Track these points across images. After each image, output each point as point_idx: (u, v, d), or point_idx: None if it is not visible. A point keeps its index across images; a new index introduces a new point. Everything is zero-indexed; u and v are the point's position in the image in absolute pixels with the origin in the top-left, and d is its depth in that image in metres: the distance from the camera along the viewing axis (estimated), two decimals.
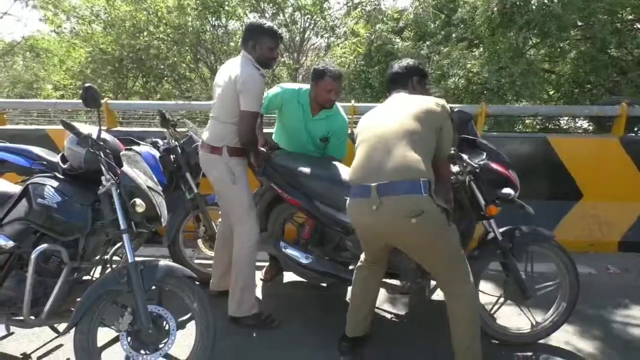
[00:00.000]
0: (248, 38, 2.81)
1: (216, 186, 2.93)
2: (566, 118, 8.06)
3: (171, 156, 3.27)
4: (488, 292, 2.78)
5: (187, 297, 2.25)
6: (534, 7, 6.08)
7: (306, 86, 3.18)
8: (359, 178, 2.23)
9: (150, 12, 11.75)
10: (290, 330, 2.89)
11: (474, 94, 6.83)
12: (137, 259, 2.15)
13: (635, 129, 5.90)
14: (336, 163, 2.99)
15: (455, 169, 2.62)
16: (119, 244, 2.37)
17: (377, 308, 3.11)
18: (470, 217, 2.67)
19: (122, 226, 2.14)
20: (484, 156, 2.58)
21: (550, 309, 2.75)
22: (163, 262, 2.24)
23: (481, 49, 6.73)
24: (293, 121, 3.19)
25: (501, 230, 2.65)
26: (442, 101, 2.31)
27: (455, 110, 2.65)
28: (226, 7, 11.92)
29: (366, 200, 2.15)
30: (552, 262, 2.68)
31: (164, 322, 2.19)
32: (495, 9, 6.26)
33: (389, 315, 3.10)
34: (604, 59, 7.07)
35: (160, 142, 3.34)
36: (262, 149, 2.99)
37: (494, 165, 2.54)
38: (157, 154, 3.14)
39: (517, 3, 6.04)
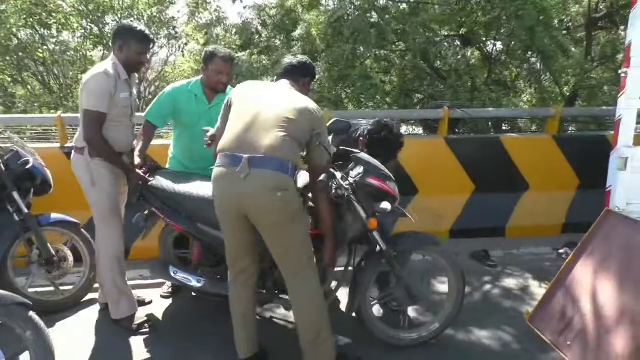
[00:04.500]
0: (116, 39, 2.77)
1: (82, 187, 2.86)
2: (404, 123, 8.81)
3: None
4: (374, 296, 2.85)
5: (18, 327, 2.04)
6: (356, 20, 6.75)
7: (196, 78, 3.17)
8: (231, 148, 2.27)
9: None
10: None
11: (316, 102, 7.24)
12: None
13: (456, 129, 6.77)
14: None
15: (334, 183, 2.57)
16: None
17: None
18: (355, 229, 2.63)
19: None
20: (362, 170, 2.55)
21: (440, 311, 2.85)
22: None
23: (319, 62, 7.15)
24: (189, 116, 3.11)
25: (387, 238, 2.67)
26: (321, 111, 2.43)
27: (332, 120, 2.75)
28: (56, 16, 10.89)
29: (236, 169, 2.20)
30: (437, 264, 2.81)
31: None
32: (327, 22, 6.86)
33: None
34: (423, 67, 7.97)
35: None
36: (139, 171, 2.83)
37: (371, 180, 2.53)
38: None
39: (344, 17, 6.64)
